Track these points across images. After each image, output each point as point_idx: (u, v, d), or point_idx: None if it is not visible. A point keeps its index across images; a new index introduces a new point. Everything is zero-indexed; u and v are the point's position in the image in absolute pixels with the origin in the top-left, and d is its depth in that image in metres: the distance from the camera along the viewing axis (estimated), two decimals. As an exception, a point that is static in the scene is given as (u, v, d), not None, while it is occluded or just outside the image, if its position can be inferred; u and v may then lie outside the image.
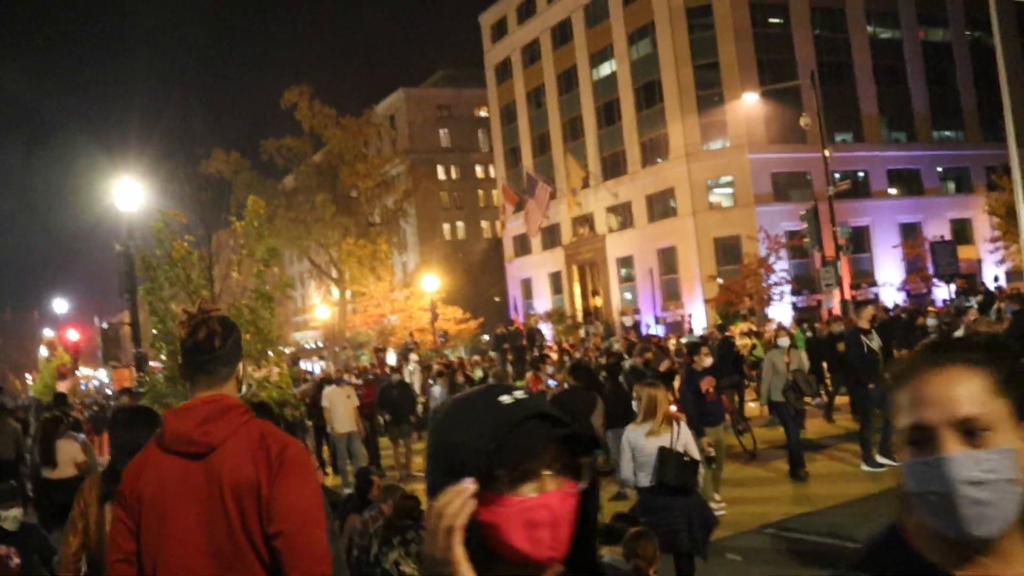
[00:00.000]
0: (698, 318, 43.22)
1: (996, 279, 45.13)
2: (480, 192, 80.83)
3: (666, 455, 7.26)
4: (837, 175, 34.73)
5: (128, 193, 18.07)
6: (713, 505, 9.63)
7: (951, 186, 51.87)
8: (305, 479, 2.80)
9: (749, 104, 44.81)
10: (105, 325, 30.36)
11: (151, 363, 15.41)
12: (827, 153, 28.04)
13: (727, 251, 45.12)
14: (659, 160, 48.49)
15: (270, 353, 10.10)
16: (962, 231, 50.54)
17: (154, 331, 9.66)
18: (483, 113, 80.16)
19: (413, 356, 23.46)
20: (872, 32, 49.88)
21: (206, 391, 2.85)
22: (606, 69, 52.72)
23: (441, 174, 78.03)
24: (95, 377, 68.47)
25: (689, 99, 46.42)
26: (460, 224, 79.31)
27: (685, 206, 46.49)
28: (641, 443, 7.44)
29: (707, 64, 46.10)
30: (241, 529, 2.71)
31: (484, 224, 79.58)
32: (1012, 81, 53.08)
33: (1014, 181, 23.88)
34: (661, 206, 49.03)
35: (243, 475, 2.73)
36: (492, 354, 23.36)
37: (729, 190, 46.27)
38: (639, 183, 49.61)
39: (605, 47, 52.35)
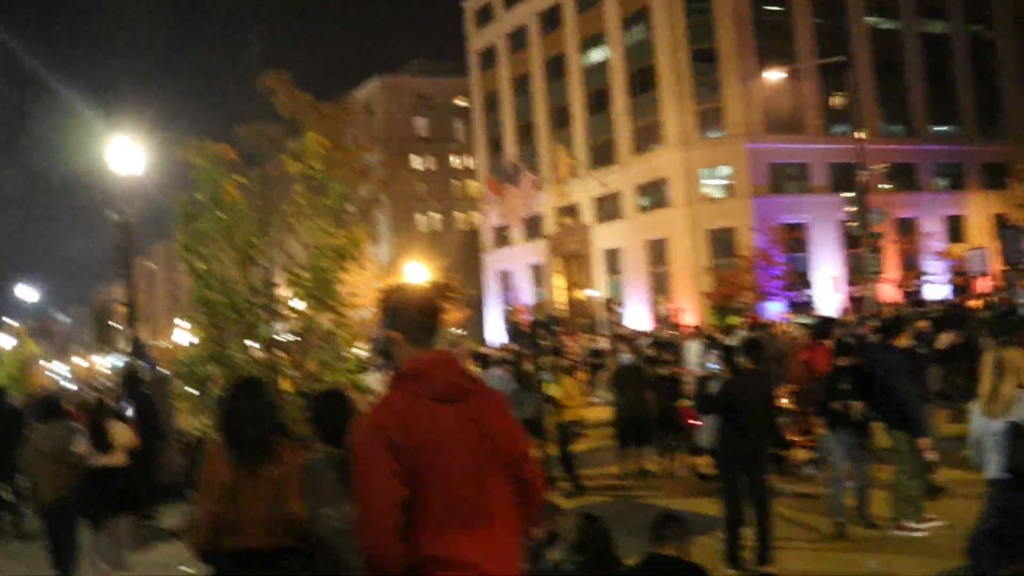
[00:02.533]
0: (690, 312, 42.52)
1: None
2: (456, 183, 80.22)
3: (1019, 432, 5.74)
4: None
5: (125, 154, 16.82)
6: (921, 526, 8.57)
7: (946, 182, 51.64)
8: (513, 418, 3.47)
9: (748, 92, 44.32)
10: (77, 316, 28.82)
11: (176, 339, 13.90)
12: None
13: (721, 244, 44.47)
14: (652, 148, 47.73)
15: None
16: (956, 228, 50.42)
17: (199, 296, 8.23)
18: (461, 102, 79.57)
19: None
20: (872, 23, 49.56)
21: (429, 349, 3.29)
22: (597, 55, 51.86)
23: (417, 164, 77.15)
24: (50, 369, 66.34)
25: (685, 86, 45.70)
26: (435, 215, 78.52)
27: (679, 196, 45.75)
28: (982, 421, 5.95)
29: (704, 50, 45.39)
30: (498, 462, 3.23)
31: (459, 215, 78.85)
32: (1008, 74, 53.11)
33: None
34: (653, 196, 48.28)
35: (491, 416, 3.28)
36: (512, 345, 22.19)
37: (724, 181, 45.63)
38: (630, 172, 48.82)
39: (597, 32, 51.51)
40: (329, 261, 8.46)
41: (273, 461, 4.66)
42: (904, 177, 48.62)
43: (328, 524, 4.24)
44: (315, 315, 8.40)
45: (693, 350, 17.69)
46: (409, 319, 3.28)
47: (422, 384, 3.17)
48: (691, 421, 12.24)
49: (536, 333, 23.69)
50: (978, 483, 6.39)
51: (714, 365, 9.04)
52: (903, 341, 9.02)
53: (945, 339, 14.56)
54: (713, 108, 45.45)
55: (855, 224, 25.01)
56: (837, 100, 47.42)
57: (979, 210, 51.09)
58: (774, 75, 38.57)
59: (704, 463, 12.18)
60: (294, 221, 8.76)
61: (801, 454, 11.35)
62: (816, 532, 9.12)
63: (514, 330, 24.11)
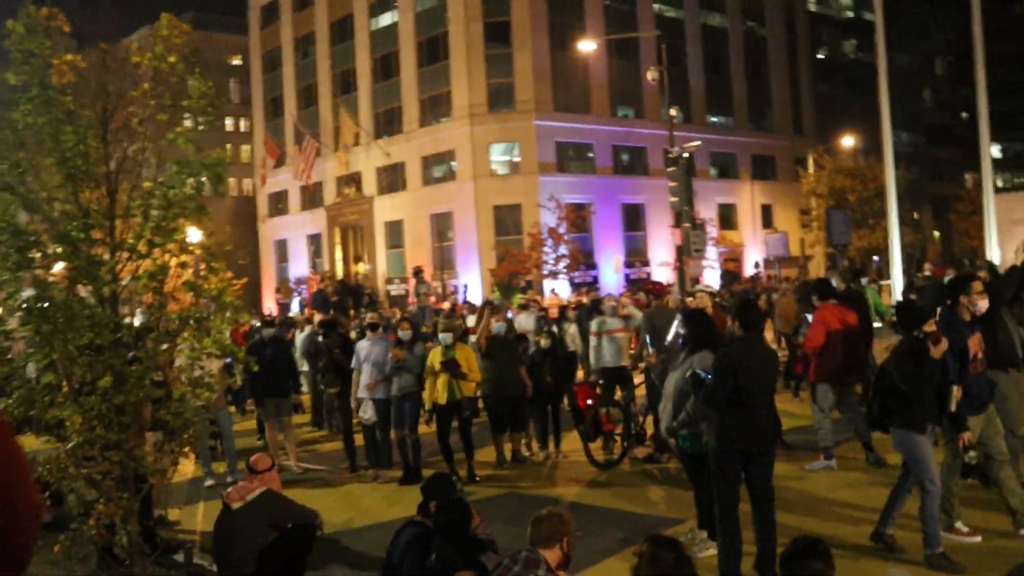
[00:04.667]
0: (475, 288, 42.46)
1: (756, 264, 47.76)
2: (228, 146, 76.73)
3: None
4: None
5: None
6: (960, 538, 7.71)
7: (718, 171, 54.23)
8: None
9: (539, 68, 44.68)
10: None
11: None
12: (673, 112, 28.18)
13: (507, 220, 44.69)
14: (440, 119, 47.21)
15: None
16: (728, 216, 53.14)
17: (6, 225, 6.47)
18: (237, 61, 76.13)
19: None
20: (658, 10, 51.20)
21: None
22: (386, 19, 50.64)
23: (187, 123, 73.01)
24: None
25: (477, 57, 45.42)
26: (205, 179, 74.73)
27: (465, 170, 45.53)
28: None
29: (498, 23, 45.28)
30: None
31: (232, 181, 75.51)
32: (777, 70, 56.41)
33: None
34: (438, 169, 47.87)
35: None
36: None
37: (512, 157, 45.83)
38: (415, 143, 48.11)
39: (387, -5, 50.41)
40: (182, 185, 7.00)
41: None
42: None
43: None
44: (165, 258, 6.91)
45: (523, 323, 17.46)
46: None
47: None
48: (588, 401, 11.71)
49: (345, 302, 22.60)
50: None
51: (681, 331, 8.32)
52: None
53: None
54: (504, 83, 45.44)
55: (675, 200, 25.40)
56: (625, 83, 48.74)
57: (747, 199, 54.03)
58: (566, 53, 39.14)
59: (597, 447, 11.63)
60: (140, 127, 7.28)
61: None
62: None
63: (320, 298, 22.81)
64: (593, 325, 12.78)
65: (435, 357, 11.25)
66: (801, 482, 9.95)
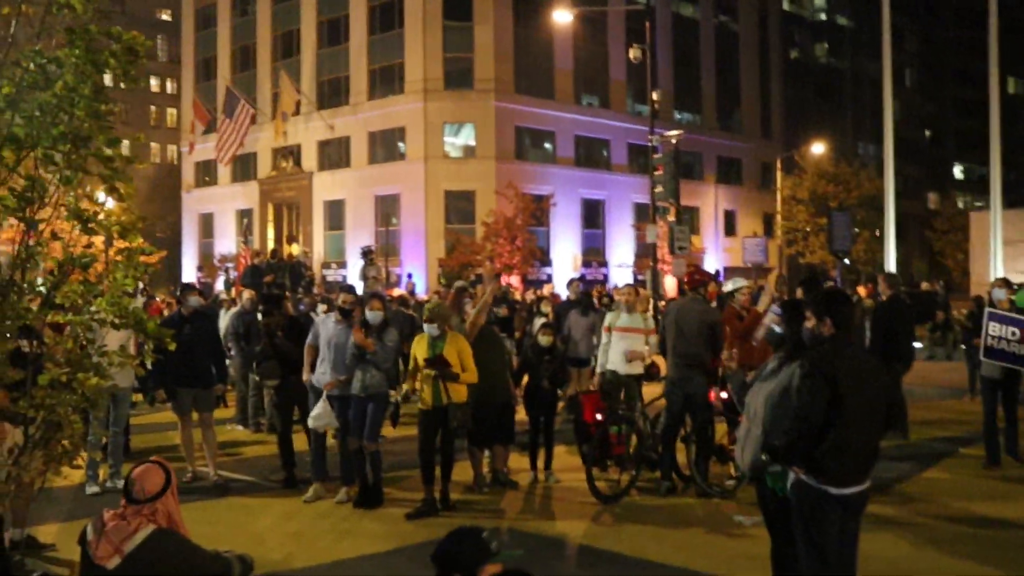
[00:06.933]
0: (419, 279, 40.18)
1: (716, 273, 46.18)
2: (153, 108, 73.56)
3: None
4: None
5: None
6: None
7: (681, 171, 52.60)
8: None
9: (502, 45, 42.70)
10: None
11: None
12: (656, 96, 26.28)
13: (459, 206, 42.59)
14: (391, 93, 44.82)
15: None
16: (689, 220, 51.47)
17: None
18: (166, 16, 73.19)
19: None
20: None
21: None
22: (337, -22, 48.15)
23: (107, 81, 69.71)
24: None
25: (434, 28, 43.16)
26: (125, 143, 71.49)
27: (416, 150, 43.27)
28: None
29: (459, -8, 43.20)
30: None
31: (154, 146, 72.35)
32: (748, 69, 55.16)
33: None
34: (386, 147, 45.56)
35: None
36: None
37: (467, 140, 43.67)
38: (362, 117, 45.72)
39: (337, -47, 47.83)
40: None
41: None
42: (642, 160, 49.00)
43: None
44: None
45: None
46: None
47: None
48: (597, 416, 9.61)
49: (280, 279, 20.19)
50: None
51: (777, 328, 6.07)
52: None
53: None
54: (463, 58, 43.35)
55: (659, 190, 23.48)
56: (591, 70, 47.00)
57: (711, 203, 52.65)
58: (531, 32, 37.21)
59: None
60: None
61: None
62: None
63: (253, 273, 20.35)
64: (607, 319, 10.68)
65: (419, 350, 9.06)
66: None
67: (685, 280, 10.28)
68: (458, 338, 9.10)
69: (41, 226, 5.12)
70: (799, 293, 10.73)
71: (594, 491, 9.29)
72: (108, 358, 5.16)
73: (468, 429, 9.12)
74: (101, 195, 5.71)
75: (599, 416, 9.58)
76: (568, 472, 10.30)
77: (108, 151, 5.66)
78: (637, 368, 10.45)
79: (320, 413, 9.16)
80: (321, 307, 14.07)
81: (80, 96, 5.22)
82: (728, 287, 10.60)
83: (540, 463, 10.30)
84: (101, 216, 5.36)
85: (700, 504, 9.17)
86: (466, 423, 8.92)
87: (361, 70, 46.30)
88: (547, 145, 45.67)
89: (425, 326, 9.12)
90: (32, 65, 5.30)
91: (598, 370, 10.88)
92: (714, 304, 11.15)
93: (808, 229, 47.17)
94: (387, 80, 45.39)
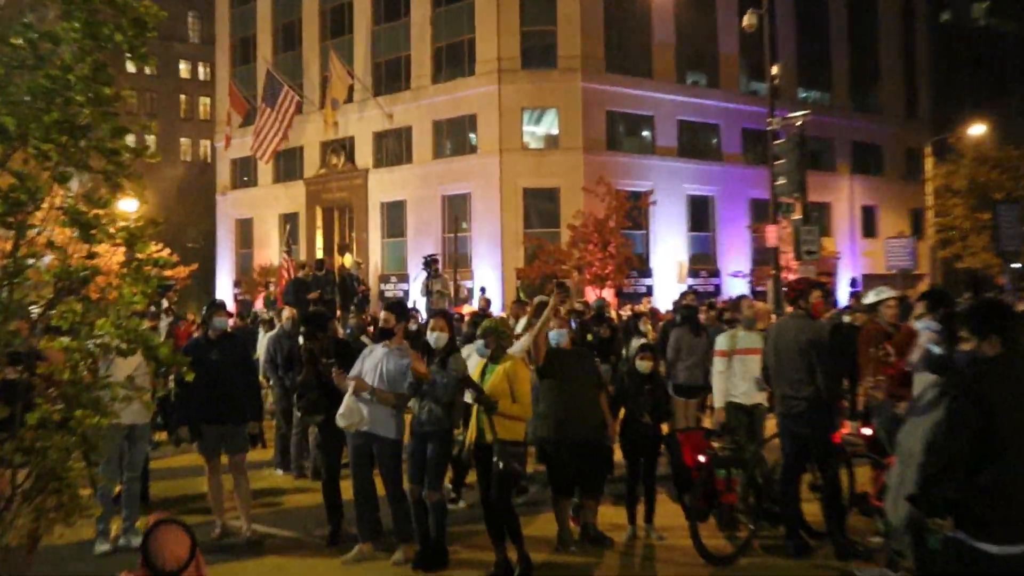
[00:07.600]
0: (494, 293, 40.40)
1: (854, 281, 45.38)
2: (183, 97, 75.44)
3: None
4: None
5: None
6: None
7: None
8: None
9: (589, 17, 42.87)
10: None
11: None
12: (775, 70, 25.96)
13: (541, 207, 42.78)
14: (459, 76, 45.26)
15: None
16: (818, 218, 50.82)
17: None
18: (199, -9, 74.94)
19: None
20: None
21: None
22: (396, -57, 49.00)
23: (129, 67, 71.85)
24: None
25: (509, -1, 43.56)
26: (151, 138, 73.42)
27: (489, 141, 43.59)
28: None
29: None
30: None
31: (184, 141, 74.17)
32: (889, 40, 54.42)
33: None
34: (454, 138, 46.11)
35: None
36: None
37: (550, 129, 43.83)
38: (425, 104, 46.32)
39: (398, -88, 48.68)
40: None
41: None
42: (759, 148, 48.59)
43: None
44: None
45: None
46: None
47: None
48: (699, 457, 9.51)
49: (327, 295, 20.45)
50: None
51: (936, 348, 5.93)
52: None
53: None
54: (544, 32, 43.62)
55: (781, 183, 23.21)
56: (697, 43, 46.83)
57: (845, 198, 52.00)
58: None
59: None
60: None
61: None
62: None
63: (296, 288, 20.61)
64: (721, 341, 10.48)
65: (478, 371, 9.18)
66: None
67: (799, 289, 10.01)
68: (515, 361, 8.97)
69: (32, 233, 5.08)
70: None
71: (701, 551, 9.07)
72: (111, 391, 5.09)
73: (521, 475, 9.00)
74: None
75: (701, 458, 9.36)
76: (674, 527, 10.10)
77: (115, 143, 5.58)
78: (761, 396, 10.30)
79: (346, 411, 9.05)
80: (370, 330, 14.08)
81: (77, 77, 5.14)
82: (870, 299, 10.38)
83: (640, 516, 10.10)
84: (104, 220, 5.32)
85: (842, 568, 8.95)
86: (517, 468, 8.76)
87: (424, 49, 46.90)
88: (644, 133, 45.64)
89: (476, 344, 9.14)
90: (22, 41, 5.26)
91: (718, 403, 10.69)
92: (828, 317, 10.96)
93: (967, 226, 46.18)
94: (455, 60, 45.88)
